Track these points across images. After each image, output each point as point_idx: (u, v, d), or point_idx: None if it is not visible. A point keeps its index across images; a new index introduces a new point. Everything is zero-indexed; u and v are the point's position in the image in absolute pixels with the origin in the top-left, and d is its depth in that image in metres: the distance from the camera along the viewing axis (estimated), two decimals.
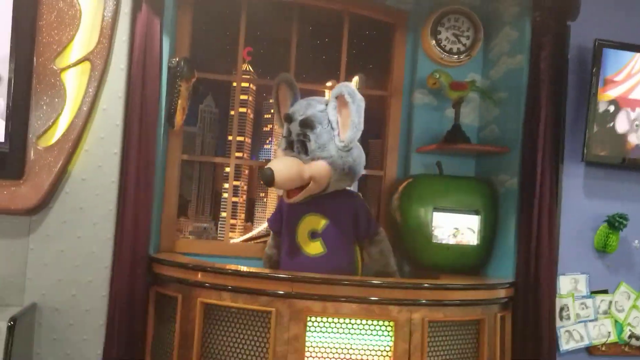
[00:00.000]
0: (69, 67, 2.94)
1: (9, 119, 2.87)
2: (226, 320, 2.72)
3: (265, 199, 4.59)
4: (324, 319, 2.60)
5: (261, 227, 4.42)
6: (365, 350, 2.62)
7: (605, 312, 3.26)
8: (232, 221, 4.13)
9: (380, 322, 2.62)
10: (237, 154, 3.95)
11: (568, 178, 3.27)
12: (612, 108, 3.24)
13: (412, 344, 2.61)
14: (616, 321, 3.26)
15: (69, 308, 2.95)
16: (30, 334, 2.90)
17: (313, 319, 2.59)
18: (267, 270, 3.16)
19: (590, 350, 3.24)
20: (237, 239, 4.18)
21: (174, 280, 2.93)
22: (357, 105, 2.90)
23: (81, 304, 2.98)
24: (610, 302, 3.27)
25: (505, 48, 3.48)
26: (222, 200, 4.25)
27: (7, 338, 2.54)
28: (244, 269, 2.86)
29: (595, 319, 3.24)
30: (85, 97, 2.96)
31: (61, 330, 2.95)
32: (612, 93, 3.25)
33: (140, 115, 3.04)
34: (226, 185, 4.14)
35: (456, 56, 3.65)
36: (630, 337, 3.26)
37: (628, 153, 3.28)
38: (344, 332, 2.62)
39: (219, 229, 4.36)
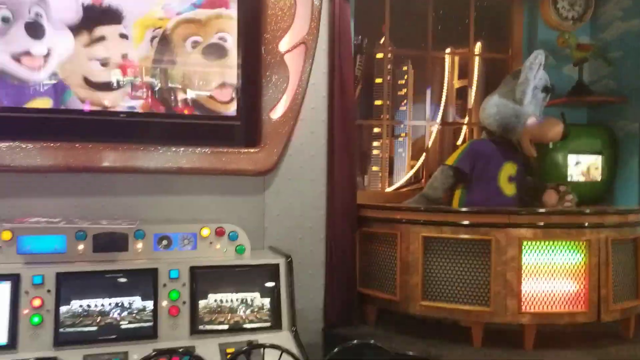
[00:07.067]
0: (289, 50, 3.14)
1: (240, 99, 3.11)
2: (444, 250, 2.99)
3: (403, 154, 4.82)
4: (535, 243, 2.88)
5: (407, 176, 4.65)
6: (565, 264, 2.92)
7: None
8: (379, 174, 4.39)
9: (575, 242, 2.90)
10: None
11: None
12: None
13: (601, 259, 2.91)
14: None
15: (297, 249, 3.22)
16: None
17: (525, 243, 2.86)
18: (485, 208, 3.18)
19: None
20: (390, 188, 4.42)
21: (391, 221, 3.17)
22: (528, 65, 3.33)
23: (306, 245, 3.28)
24: None
25: (618, 14, 3.72)
26: (372, 157, 4.53)
27: (286, 271, 2.88)
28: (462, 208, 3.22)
29: None
30: (303, 74, 3.16)
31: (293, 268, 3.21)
32: None
33: (341, 88, 3.25)
34: (375, 144, 4.42)
35: (571, 22, 3.89)
36: None
37: None
38: (549, 252, 2.90)
39: (365, 181, 4.66)
